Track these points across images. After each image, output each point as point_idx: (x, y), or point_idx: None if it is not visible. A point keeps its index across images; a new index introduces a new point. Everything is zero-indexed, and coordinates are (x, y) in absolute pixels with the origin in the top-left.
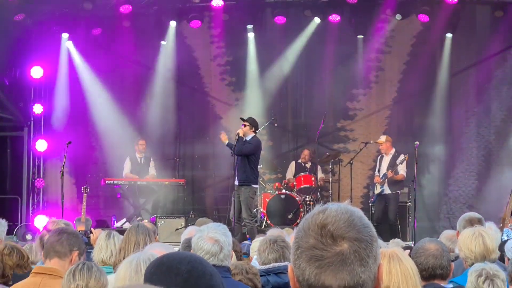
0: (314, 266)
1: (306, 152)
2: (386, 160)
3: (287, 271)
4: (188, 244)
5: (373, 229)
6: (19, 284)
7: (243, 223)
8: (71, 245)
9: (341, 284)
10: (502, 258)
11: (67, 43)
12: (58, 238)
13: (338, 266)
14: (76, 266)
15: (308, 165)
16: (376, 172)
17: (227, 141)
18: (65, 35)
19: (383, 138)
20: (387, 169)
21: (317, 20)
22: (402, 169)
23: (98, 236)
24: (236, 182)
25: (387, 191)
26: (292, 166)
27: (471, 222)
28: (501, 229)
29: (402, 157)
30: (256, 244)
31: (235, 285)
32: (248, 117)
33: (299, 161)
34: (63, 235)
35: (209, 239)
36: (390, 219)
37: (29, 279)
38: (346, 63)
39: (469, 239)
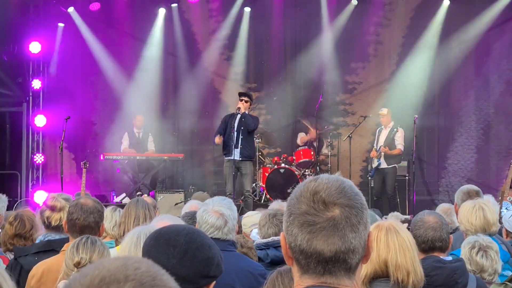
0: (306, 231)
1: (303, 136)
2: (384, 134)
3: None
4: (190, 217)
5: (363, 198)
6: (46, 261)
7: (242, 197)
8: (97, 222)
9: (333, 249)
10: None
11: (65, 19)
12: (85, 217)
13: (330, 231)
14: (79, 240)
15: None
16: (374, 145)
17: (222, 139)
18: (69, 12)
19: (384, 111)
20: (384, 143)
21: None
22: (399, 143)
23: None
24: (238, 157)
25: (384, 165)
26: (301, 134)
27: (469, 195)
28: (500, 202)
29: (395, 129)
30: (247, 220)
31: (240, 258)
32: (245, 91)
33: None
34: (90, 216)
35: (214, 212)
36: (388, 193)
37: (58, 256)
38: (345, 37)
39: (469, 212)
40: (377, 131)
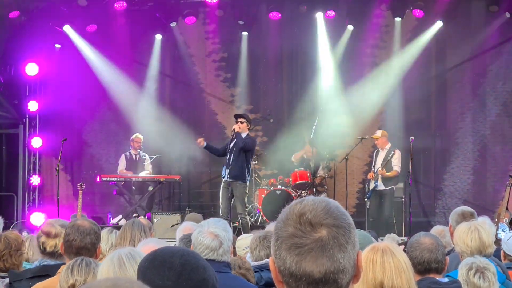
0: (294, 254)
1: (296, 153)
2: (381, 156)
3: None
4: (188, 240)
5: (350, 218)
6: (42, 282)
7: (238, 218)
8: (94, 243)
9: (322, 270)
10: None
11: (61, 41)
12: (81, 238)
13: (318, 252)
14: (74, 262)
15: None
16: (372, 167)
17: (205, 144)
18: (65, 30)
19: (378, 133)
20: (381, 164)
21: (319, 15)
22: (396, 165)
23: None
24: (228, 178)
25: (381, 186)
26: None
27: (464, 216)
28: (496, 223)
29: (392, 152)
30: (241, 243)
31: (235, 279)
32: (242, 113)
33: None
34: (86, 237)
35: (209, 234)
36: (385, 214)
37: (54, 278)
38: (341, 58)
39: (465, 234)
40: (374, 153)
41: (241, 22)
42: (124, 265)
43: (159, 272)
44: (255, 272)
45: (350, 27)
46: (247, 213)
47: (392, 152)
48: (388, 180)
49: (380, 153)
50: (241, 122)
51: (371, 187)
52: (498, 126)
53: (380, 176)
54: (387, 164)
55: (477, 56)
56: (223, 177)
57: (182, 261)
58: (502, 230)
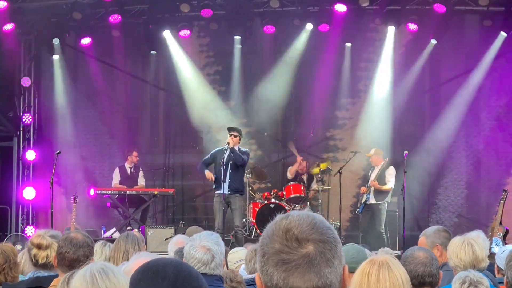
0: (281, 270)
1: (290, 167)
2: (375, 172)
3: None
4: (181, 253)
5: (336, 232)
6: None
7: (233, 232)
8: (87, 256)
9: (309, 286)
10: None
11: (56, 53)
12: (74, 250)
13: (305, 267)
14: (70, 275)
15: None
16: (367, 184)
17: (214, 177)
18: (55, 44)
19: (372, 151)
20: (375, 177)
21: (309, 26)
22: (389, 180)
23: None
24: (226, 191)
25: (372, 200)
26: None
27: (439, 233)
28: (490, 238)
29: (385, 166)
30: (232, 256)
31: None
32: (235, 127)
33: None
34: (79, 250)
35: (201, 247)
36: (376, 229)
37: None
38: (335, 72)
39: (458, 248)
40: (370, 170)
41: (236, 37)
42: (97, 282)
43: (153, 283)
44: (249, 285)
45: (348, 44)
46: (243, 227)
47: (385, 166)
48: (379, 194)
49: (375, 169)
50: (235, 136)
51: (363, 201)
52: (492, 140)
53: (372, 189)
54: (380, 176)
55: (471, 70)
56: (218, 190)
57: (175, 270)
58: (496, 244)
